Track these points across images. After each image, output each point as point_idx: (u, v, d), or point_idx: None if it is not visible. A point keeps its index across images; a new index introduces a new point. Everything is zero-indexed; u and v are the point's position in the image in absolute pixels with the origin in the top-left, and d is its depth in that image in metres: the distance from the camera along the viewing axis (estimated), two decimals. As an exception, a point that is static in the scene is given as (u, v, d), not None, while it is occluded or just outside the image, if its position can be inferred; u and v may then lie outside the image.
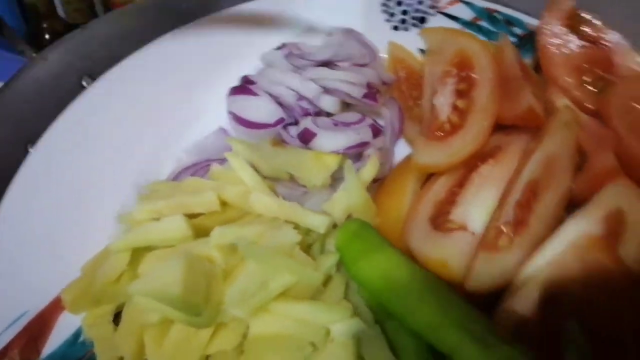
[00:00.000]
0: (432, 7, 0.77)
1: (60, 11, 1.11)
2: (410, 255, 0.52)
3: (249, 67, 0.70)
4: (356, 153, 0.61)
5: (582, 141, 0.54)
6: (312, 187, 0.58)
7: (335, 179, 0.59)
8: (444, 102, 0.59)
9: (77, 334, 0.50)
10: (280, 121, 0.64)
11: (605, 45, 0.64)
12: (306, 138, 0.61)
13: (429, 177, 0.60)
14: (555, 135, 0.52)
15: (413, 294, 0.46)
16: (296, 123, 0.64)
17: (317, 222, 0.52)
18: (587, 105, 0.59)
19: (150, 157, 0.63)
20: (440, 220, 0.53)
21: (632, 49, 0.63)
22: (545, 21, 0.65)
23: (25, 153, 0.59)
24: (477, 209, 0.53)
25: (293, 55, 0.65)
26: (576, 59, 0.62)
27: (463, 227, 0.52)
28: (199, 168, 0.63)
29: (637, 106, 0.55)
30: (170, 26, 0.72)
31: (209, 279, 0.45)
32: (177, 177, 0.62)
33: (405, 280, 0.47)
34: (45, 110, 0.63)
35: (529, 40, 0.71)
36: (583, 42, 0.64)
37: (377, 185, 0.62)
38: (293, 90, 0.63)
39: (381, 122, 0.66)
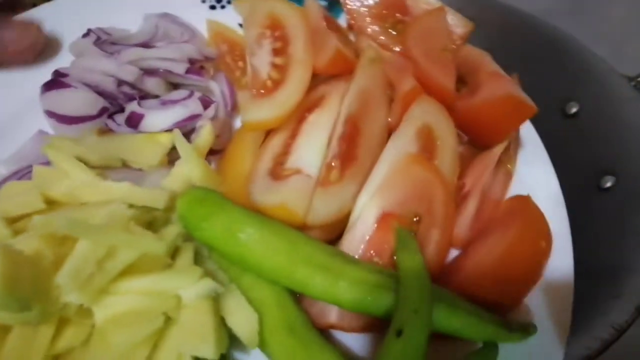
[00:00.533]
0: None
1: None
2: (256, 212, 0.53)
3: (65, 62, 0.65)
4: (190, 127, 0.60)
5: (388, 73, 0.59)
6: (148, 168, 0.56)
7: (175, 159, 0.57)
8: (262, 61, 0.61)
9: None
10: (103, 110, 0.60)
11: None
12: (134, 121, 0.59)
13: (266, 137, 0.61)
14: (364, 71, 0.57)
15: (258, 242, 0.47)
16: (123, 110, 0.61)
17: (154, 198, 0.50)
18: (392, 47, 0.66)
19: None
20: (277, 170, 0.55)
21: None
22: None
23: None
24: (309, 153, 0.55)
25: (104, 42, 0.62)
26: (376, 9, 0.68)
27: (298, 172, 0.54)
28: (22, 175, 0.58)
29: (429, 36, 0.62)
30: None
31: (35, 270, 0.41)
32: (-3, 190, 0.55)
33: (249, 231, 0.47)
34: None
35: (336, 2, 0.76)
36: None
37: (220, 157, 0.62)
38: (111, 76, 0.60)
39: (213, 98, 0.65)
